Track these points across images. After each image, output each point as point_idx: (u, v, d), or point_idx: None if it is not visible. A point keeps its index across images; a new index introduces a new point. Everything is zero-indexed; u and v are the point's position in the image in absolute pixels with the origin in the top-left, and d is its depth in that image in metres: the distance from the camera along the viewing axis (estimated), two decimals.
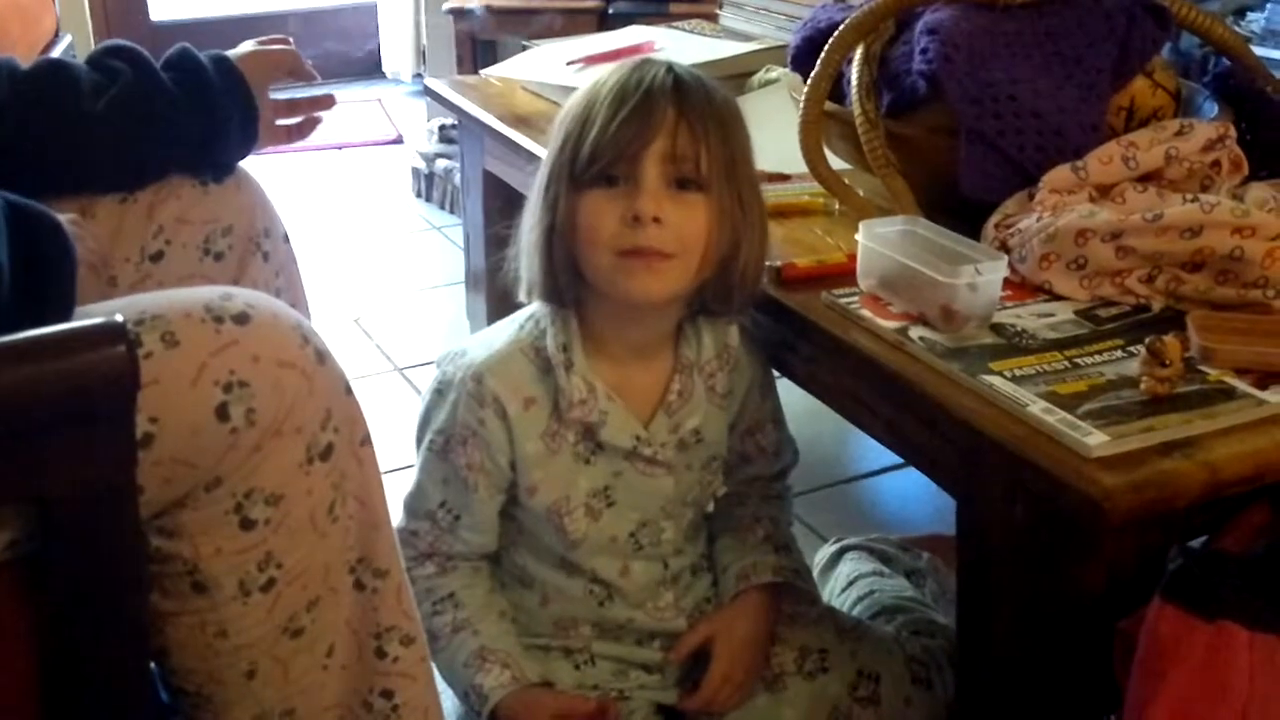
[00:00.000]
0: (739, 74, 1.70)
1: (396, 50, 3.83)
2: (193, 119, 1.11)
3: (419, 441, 1.15)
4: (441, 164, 2.94)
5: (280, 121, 1.24)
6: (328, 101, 1.28)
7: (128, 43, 1.13)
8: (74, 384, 0.66)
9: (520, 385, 1.09)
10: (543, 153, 1.50)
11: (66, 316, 0.76)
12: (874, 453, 1.84)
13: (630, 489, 1.13)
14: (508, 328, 1.13)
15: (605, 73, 1.06)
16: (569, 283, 1.06)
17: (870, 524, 1.58)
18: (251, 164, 1.23)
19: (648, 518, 1.15)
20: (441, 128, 2.97)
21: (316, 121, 1.27)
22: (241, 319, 0.79)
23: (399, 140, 3.44)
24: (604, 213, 1.02)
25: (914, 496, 1.74)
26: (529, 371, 1.10)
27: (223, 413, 0.77)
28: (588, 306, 1.09)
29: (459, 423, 1.10)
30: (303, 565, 0.85)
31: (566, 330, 1.09)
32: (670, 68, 1.04)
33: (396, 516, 0.98)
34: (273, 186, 1.28)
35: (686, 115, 1.01)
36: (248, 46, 1.21)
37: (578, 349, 1.09)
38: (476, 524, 1.14)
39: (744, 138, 1.06)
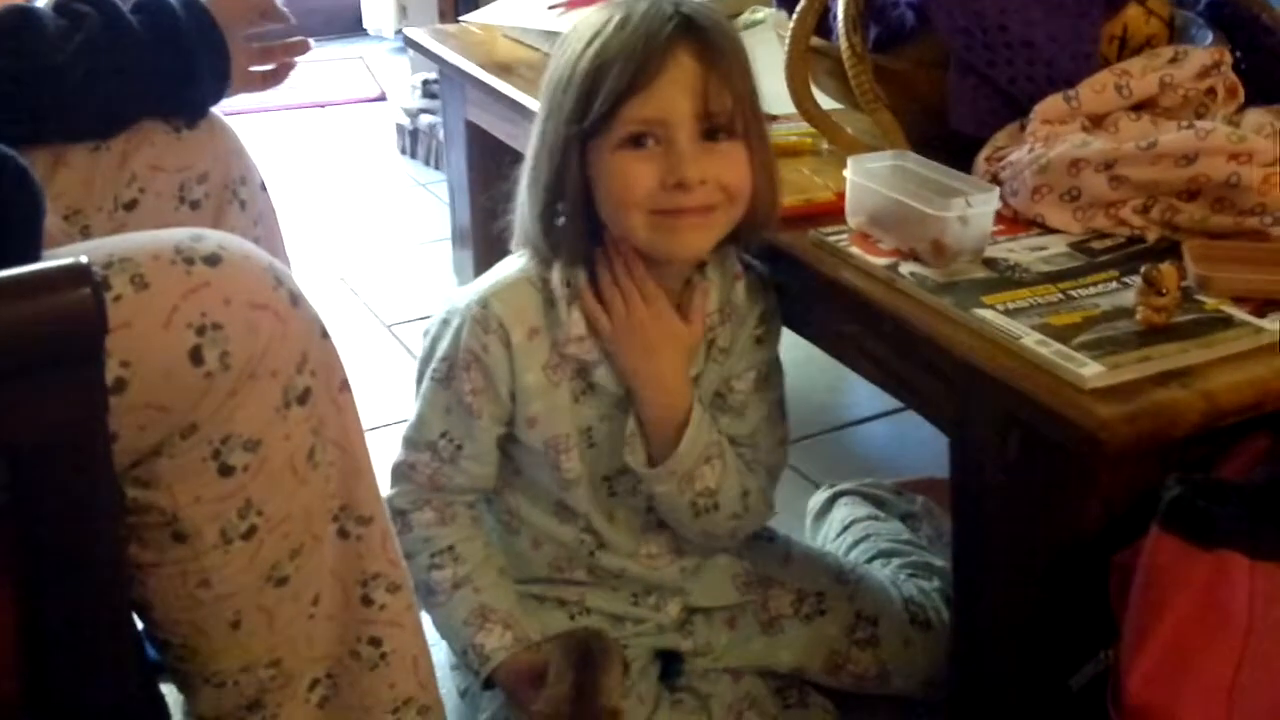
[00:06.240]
0: (724, 16, 1.67)
1: (378, 6, 3.78)
2: (162, 62, 1.08)
3: (421, 375, 1.12)
4: (426, 120, 2.90)
5: (254, 68, 1.21)
6: (302, 46, 1.25)
7: None
8: (37, 328, 0.63)
9: (525, 313, 1.07)
10: (527, 101, 1.48)
11: (34, 262, 0.74)
12: (866, 399, 1.83)
13: (613, 436, 1.11)
14: (516, 260, 1.10)
15: (602, 22, 0.98)
16: (576, 242, 1.03)
17: (863, 470, 1.57)
18: (234, 123, 1.21)
19: (626, 466, 1.11)
20: (425, 83, 2.93)
21: (290, 66, 1.24)
22: (212, 260, 0.77)
23: (382, 97, 3.40)
24: (638, 175, 0.98)
25: (907, 442, 1.72)
26: (535, 301, 1.07)
27: (196, 356, 0.76)
28: (600, 258, 1.05)
29: (463, 348, 1.08)
30: (284, 512, 0.83)
31: (573, 268, 1.06)
32: (677, 9, 0.98)
33: (381, 471, 0.95)
34: (256, 145, 1.26)
35: (712, 64, 0.97)
36: None
37: (583, 285, 1.06)
38: (478, 453, 1.12)
39: (751, 67, 1.02)
